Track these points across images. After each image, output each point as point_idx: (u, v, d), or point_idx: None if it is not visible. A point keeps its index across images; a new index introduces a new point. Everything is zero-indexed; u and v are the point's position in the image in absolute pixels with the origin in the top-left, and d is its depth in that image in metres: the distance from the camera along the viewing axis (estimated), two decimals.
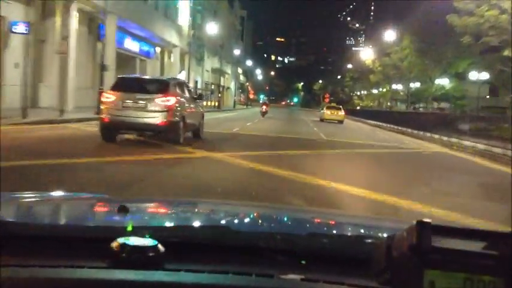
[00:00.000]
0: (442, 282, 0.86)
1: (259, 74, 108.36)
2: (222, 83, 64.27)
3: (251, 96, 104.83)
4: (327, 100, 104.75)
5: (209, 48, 54.22)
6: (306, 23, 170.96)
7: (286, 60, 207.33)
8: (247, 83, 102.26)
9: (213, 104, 52.22)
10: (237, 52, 70.55)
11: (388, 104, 60.22)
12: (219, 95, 53.47)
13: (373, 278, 0.98)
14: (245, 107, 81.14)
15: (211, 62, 54.04)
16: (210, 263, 1.05)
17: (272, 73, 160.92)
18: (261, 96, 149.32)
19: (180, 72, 42.68)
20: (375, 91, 61.66)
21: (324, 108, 37.74)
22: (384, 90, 53.21)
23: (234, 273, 1.02)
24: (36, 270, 0.99)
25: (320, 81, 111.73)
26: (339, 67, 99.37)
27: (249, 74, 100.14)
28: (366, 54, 48.75)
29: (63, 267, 1.00)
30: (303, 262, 1.09)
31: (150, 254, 1.00)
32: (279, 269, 1.04)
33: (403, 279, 0.88)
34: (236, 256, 1.10)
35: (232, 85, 70.25)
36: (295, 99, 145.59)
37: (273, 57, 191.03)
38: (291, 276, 1.02)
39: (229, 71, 65.42)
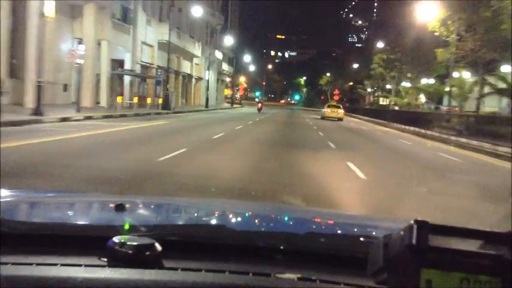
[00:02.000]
0: (439, 281, 0.86)
1: (250, 63, 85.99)
2: (185, 70, 42.51)
3: (242, 93, 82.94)
4: (336, 98, 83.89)
5: (153, 8, 32.42)
6: (307, 18, 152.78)
7: (286, 55, 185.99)
8: (237, 76, 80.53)
9: (152, 102, 30.32)
10: (209, 23, 48.82)
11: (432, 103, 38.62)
12: (168, 86, 31.45)
13: (370, 277, 0.97)
14: (230, 106, 59.61)
15: (158, 33, 32.26)
16: (207, 262, 1.05)
17: (270, 66, 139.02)
18: (257, 94, 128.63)
19: (79, 42, 21.38)
20: (416, 82, 40.10)
21: (325, 107, 38.19)
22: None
23: (231, 271, 1.02)
24: (34, 269, 0.98)
25: (328, 74, 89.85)
26: (353, 57, 77.36)
27: (237, 64, 78.32)
28: (427, 11, 26.84)
29: (60, 266, 1.00)
30: (300, 261, 1.10)
31: (147, 253, 1.00)
32: (276, 267, 1.05)
33: (400, 278, 0.88)
34: (233, 255, 1.10)
35: (207, 75, 48.66)
36: (297, 97, 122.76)
37: (272, 52, 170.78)
38: (288, 275, 1.03)
39: (198, 52, 43.76)
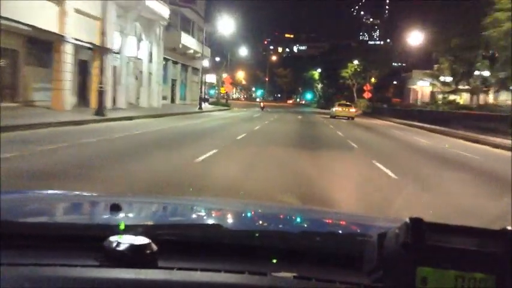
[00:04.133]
0: (434, 279, 0.86)
1: (241, 45, 58.75)
2: (26, 17, 15.88)
3: (229, 89, 56.75)
4: (368, 95, 57.90)
5: None
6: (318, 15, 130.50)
7: (295, 49, 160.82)
8: (224, 66, 54.44)
9: None
10: None
11: None
12: None
13: (366, 276, 0.98)
14: (198, 109, 33.85)
15: None
16: (203, 261, 1.05)
17: (274, 58, 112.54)
18: (259, 93, 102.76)
19: None
20: None
21: (336, 105, 36.89)
22: None
23: (227, 271, 1.02)
24: (30, 269, 0.98)
25: (355, 62, 62.68)
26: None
27: (220, 46, 52.03)
28: None
29: (56, 266, 1.00)
30: (296, 260, 1.09)
31: (143, 252, 1.00)
32: (271, 266, 1.05)
33: (395, 276, 0.88)
34: (229, 254, 1.10)
35: (127, 45, 22.63)
36: (309, 96, 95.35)
37: (279, 49, 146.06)
38: (284, 273, 1.03)
39: None
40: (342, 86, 70.36)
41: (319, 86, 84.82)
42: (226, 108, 46.90)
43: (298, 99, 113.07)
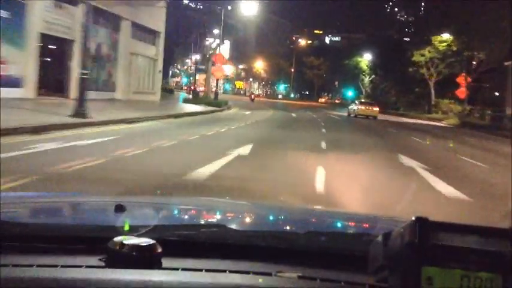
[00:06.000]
0: (439, 279, 0.86)
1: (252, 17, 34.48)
2: None
3: (221, 75, 33.26)
4: (463, 94, 33.79)
5: None
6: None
7: (327, 40, 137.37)
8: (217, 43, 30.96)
9: None
10: None
11: None
12: None
13: (370, 275, 0.98)
14: (70, 116, 9.95)
15: None
16: (208, 262, 1.06)
17: (302, 43, 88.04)
18: (281, 87, 79.68)
19: None
20: None
21: (357, 104, 34.79)
22: None
23: (232, 271, 1.03)
24: (34, 270, 0.99)
25: (444, 36, 37.78)
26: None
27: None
28: None
29: (60, 267, 1.00)
30: (301, 260, 1.10)
31: (148, 253, 1.00)
32: (276, 266, 1.05)
33: (401, 276, 0.89)
34: (233, 254, 1.10)
35: None
36: (350, 93, 68.84)
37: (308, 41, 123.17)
38: (289, 274, 1.03)
39: None
40: (408, 78, 45.65)
41: (367, 79, 60.03)
42: (218, 109, 23.93)
43: (332, 97, 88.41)
